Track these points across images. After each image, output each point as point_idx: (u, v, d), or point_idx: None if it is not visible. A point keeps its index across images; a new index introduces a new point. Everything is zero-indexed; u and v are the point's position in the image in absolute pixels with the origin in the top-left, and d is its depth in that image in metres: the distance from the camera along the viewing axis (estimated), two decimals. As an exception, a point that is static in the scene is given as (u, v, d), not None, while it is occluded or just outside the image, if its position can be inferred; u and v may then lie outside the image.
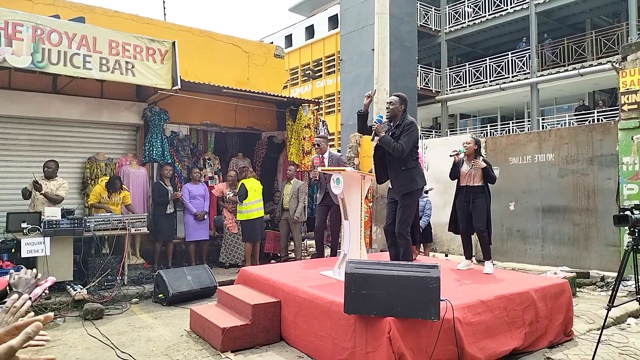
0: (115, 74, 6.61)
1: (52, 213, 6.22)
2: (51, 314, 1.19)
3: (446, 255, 9.15)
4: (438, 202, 8.77)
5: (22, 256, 5.90)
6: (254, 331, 4.45)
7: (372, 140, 4.95)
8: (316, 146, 7.27)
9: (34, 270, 2.01)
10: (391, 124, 4.97)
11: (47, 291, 2.24)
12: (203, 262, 7.89)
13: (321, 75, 24.10)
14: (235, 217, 8.23)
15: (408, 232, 4.89)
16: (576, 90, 19.33)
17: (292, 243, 8.91)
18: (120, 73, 6.64)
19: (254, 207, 7.94)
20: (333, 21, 23.56)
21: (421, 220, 7.92)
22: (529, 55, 19.29)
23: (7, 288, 1.81)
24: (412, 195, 4.92)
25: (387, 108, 4.95)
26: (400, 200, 4.89)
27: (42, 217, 6.30)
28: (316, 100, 10.37)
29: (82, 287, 6.16)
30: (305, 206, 8.49)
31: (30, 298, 2.01)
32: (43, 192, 6.65)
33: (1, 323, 1.31)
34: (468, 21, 21.33)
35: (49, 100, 7.57)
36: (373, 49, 15.60)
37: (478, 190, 5.51)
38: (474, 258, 5.82)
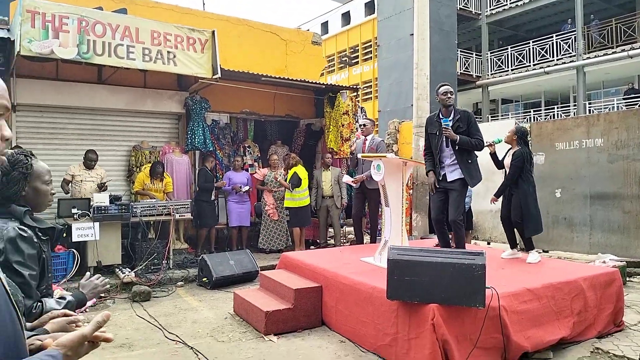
0: (158, 63, 6.75)
1: (100, 199, 6.45)
2: (109, 312, 1.24)
3: (488, 243, 8.98)
4: (480, 189, 8.53)
5: (73, 240, 6.15)
6: (296, 315, 4.51)
7: (445, 139, 4.96)
8: (362, 127, 7.27)
9: (106, 280, 2.08)
10: (440, 115, 5.01)
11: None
12: (244, 247, 8.02)
13: (358, 62, 23.89)
14: (277, 203, 8.31)
15: (462, 220, 4.96)
16: (625, 72, 18.47)
17: (330, 230, 8.94)
18: (163, 63, 6.78)
19: (304, 194, 8.13)
20: (369, 7, 23.26)
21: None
22: (575, 37, 18.53)
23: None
24: (467, 185, 5.00)
25: (448, 98, 4.93)
26: (456, 188, 4.91)
27: (91, 203, 6.53)
28: (354, 86, 10.29)
29: (130, 270, 6.38)
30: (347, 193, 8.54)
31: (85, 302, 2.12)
32: (103, 189, 6.95)
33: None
34: (510, 3, 20.63)
35: (94, 90, 7.81)
36: (411, 34, 15.32)
37: (514, 184, 5.35)
38: (518, 247, 5.68)
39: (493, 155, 5.54)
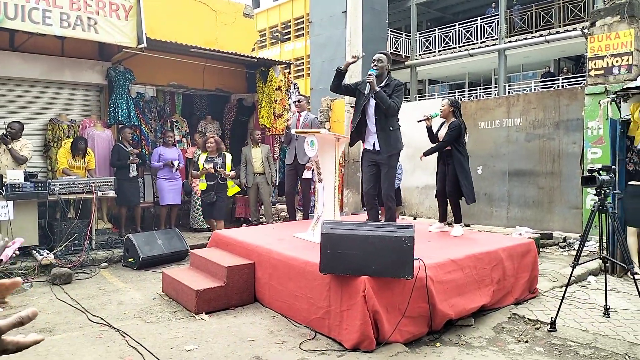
0: (77, 30, 6.31)
1: (14, 176, 5.98)
2: (19, 279, 1.11)
3: (415, 219, 9.30)
4: (407, 166, 8.85)
5: (-17, 220, 5.69)
6: (228, 293, 4.46)
7: (368, 92, 4.86)
8: (296, 103, 7.20)
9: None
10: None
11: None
12: (172, 227, 7.79)
13: (289, 38, 23.63)
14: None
15: (394, 193, 4.99)
16: (542, 57, 19.60)
17: (262, 207, 8.89)
18: (82, 29, 6.34)
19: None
20: (302, -18, 22.96)
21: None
22: (498, 21, 19.35)
23: None
24: (397, 156, 5.01)
25: (375, 66, 4.86)
26: (386, 162, 4.90)
27: (4, 180, 6.05)
28: (287, 61, 10.16)
29: (48, 251, 6.02)
30: (277, 170, 8.47)
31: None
32: (10, 146, 6.38)
33: None
34: (438, -15, 21.14)
35: (6, 58, 7.17)
36: (344, 11, 15.33)
37: (449, 154, 5.44)
38: (445, 222, 5.89)
39: (429, 129, 5.62)
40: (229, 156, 7.16)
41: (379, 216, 5.36)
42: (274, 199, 9.25)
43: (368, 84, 4.81)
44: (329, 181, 4.92)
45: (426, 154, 5.60)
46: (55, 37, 6.77)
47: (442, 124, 5.59)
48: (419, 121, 5.70)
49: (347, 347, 3.50)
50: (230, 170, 7.05)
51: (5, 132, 6.43)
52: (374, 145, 4.97)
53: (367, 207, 5.32)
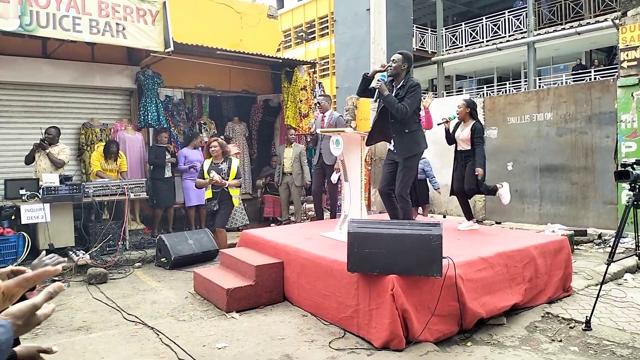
0: (106, 36, 6.46)
1: (50, 179, 6.18)
2: (61, 284, 1.18)
3: (444, 217, 9.20)
4: (436, 164, 8.75)
5: (22, 223, 5.89)
6: (258, 291, 4.51)
7: (375, 100, 4.84)
8: (318, 105, 7.21)
9: (60, 259, 1.89)
10: (393, 83, 4.83)
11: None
12: (202, 227, 7.90)
13: (314, 37, 23.63)
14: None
15: (408, 194, 4.84)
16: (573, 49, 19.09)
17: (291, 207, 8.94)
18: (111, 35, 6.50)
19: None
20: (326, -19, 22.94)
21: (432, 184, 7.95)
22: (526, 13, 18.94)
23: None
24: (414, 158, 4.86)
25: (389, 66, 4.80)
26: (402, 163, 4.79)
27: (40, 183, 6.26)
28: (312, 61, 10.19)
29: (84, 252, 6.19)
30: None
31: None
32: (47, 151, 6.62)
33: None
34: (464, -21, 20.82)
35: (39, 65, 7.41)
36: (368, 9, 15.26)
37: (468, 154, 5.48)
38: (474, 219, 5.84)
39: (447, 131, 5.66)
40: (235, 161, 6.51)
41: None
42: (302, 199, 9.29)
43: (377, 89, 4.73)
44: (355, 180, 4.92)
45: (482, 167, 5.40)
46: (85, 44, 6.96)
47: (458, 124, 5.61)
48: (438, 124, 5.73)
49: (376, 345, 3.50)
50: (236, 178, 6.36)
51: (42, 138, 6.66)
52: (394, 145, 4.90)
53: (385, 205, 5.22)
